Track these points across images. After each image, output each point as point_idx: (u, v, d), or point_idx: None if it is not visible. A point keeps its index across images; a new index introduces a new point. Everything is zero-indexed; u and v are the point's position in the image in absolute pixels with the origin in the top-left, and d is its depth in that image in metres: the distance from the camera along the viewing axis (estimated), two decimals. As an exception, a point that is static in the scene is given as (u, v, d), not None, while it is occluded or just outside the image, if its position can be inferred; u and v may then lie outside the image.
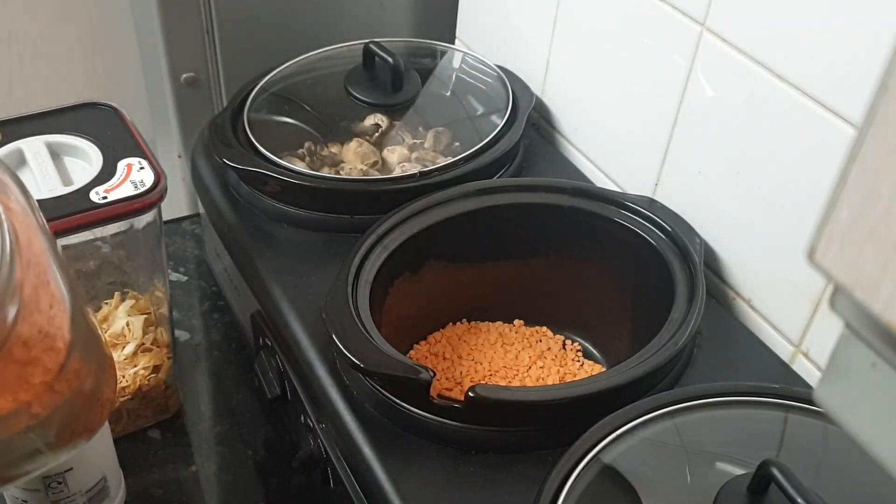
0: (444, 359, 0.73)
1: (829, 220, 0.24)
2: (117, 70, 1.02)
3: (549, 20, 0.86)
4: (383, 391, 0.60)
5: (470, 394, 0.57)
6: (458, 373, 0.71)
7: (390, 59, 0.84)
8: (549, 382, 0.71)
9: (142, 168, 0.68)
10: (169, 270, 0.93)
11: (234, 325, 0.89)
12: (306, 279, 0.71)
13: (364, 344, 0.60)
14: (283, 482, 0.77)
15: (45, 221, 0.44)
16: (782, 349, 0.68)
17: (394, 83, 0.86)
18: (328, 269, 0.70)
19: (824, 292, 0.63)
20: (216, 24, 0.92)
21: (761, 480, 0.49)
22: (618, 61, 0.78)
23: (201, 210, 0.88)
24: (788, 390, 0.59)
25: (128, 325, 0.76)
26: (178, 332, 0.87)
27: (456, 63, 0.93)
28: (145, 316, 0.77)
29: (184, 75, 0.94)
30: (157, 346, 0.77)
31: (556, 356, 0.74)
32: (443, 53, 0.94)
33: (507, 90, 0.86)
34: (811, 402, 0.57)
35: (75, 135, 0.71)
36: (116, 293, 0.78)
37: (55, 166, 0.69)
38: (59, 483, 0.64)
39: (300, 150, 0.83)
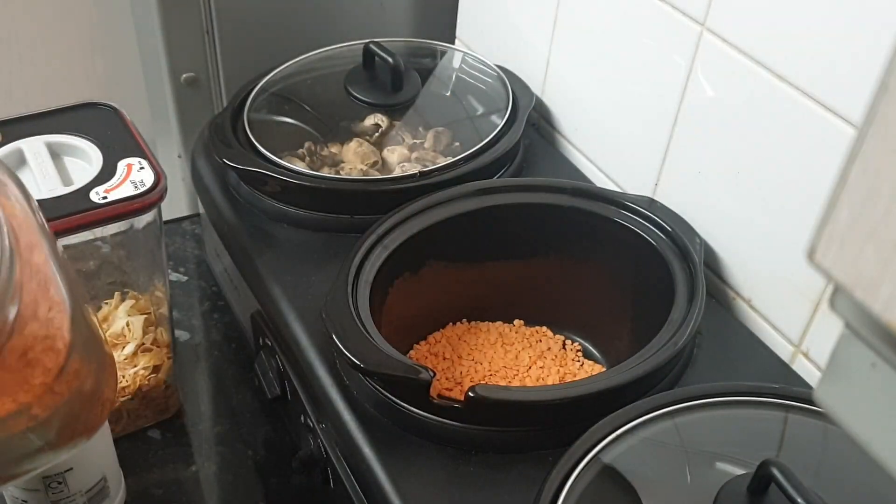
0: (444, 359, 0.73)
1: (829, 220, 0.24)
2: (117, 70, 1.02)
3: (549, 20, 0.86)
4: (383, 391, 0.60)
5: (470, 394, 0.57)
6: (458, 373, 0.71)
7: (390, 59, 0.84)
8: (549, 382, 0.71)
9: (142, 168, 0.68)
10: (169, 270, 0.93)
11: (234, 325, 0.89)
12: (306, 279, 0.71)
13: (364, 344, 0.60)
14: (283, 482, 0.77)
15: (45, 222, 0.44)
16: (782, 349, 0.68)
17: (394, 83, 0.86)
18: (328, 269, 0.70)
19: (824, 292, 0.63)
20: (216, 24, 0.92)
21: (761, 480, 0.49)
22: (618, 61, 0.78)
23: (201, 210, 0.88)
24: (788, 390, 0.59)
25: (128, 325, 0.76)
26: (178, 332, 0.87)
27: (456, 63, 0.93)
28: (145, 316, 0.77)
29: (184, 75, 0.94)
30: (157, 346, 0.77)
31: (556, 356, 0.74)
32: (443, 53, 0.94)
33: (507, 90, 0.86)
34: (811, 402, 0.57)
35: (75, 135, 0.71)
36: (116, 293, 0.78)
37: (55, 166, 0.69)
38: (59, 483, 0.64)
39: (300, 150, 0.83)
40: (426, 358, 0.73)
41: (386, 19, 1.00)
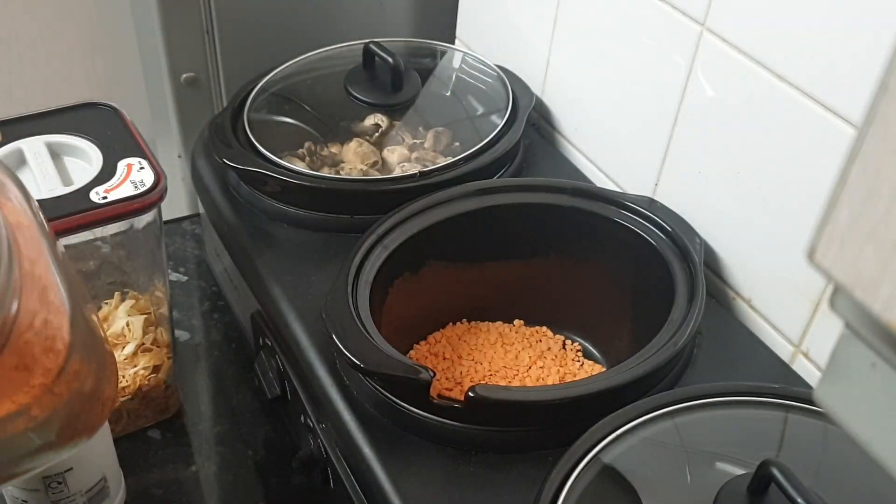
0: (444, 359, 0.73)
1: (829, 220, 0.24)
2: (117, 70, 1.02)
3: (549, 20, 0.86)
4: (383, 391, 0.60)
5: (470, 394, 0.57)
6: (458, 373, 0.71)
7: (390, 59, 0.84)
8: (549, 382, 0.71)
9: (142, 168, 0.68)
10: (169, 270, 0.93)
11: (234, 325, 0.89)
12: (306, 279, 0.71)
13: (364, 344, 0.60)
14: (283, 482, 0.77)
15: (45, 222, 0.44)
16: (782, 349, 0.68)
17: (394, 83, 0.86)
18: (328, 269, 0.70)
19: (824, 292, 0.63)
20: (216, 24, 0.92)
21: (761, 480, 0.49)
22: (618, 61, 0.78)
23: (201, 210, 0.88)
24: (788, 390, 0.59)
25: (128, 325, 0.76)
26: (178, 332, 0.87)
27: (456, 63, 0.93)
28: (145, 316, 0.77)
29: (184, 75, 0.94)
30: (157, 346, 0.77)
31: (556, 356, 0.74)
32: (443, 53, 0.94)
33: (507, 90, 0.86)
34: (811, 402, 0.57)
35: (75, 135, 0.71)
36: (116, 293, 0.78)
37: (55, 166, 0.69)
38: (59, 483, 0.64)
39: (300, 150, 0.83)
40: (426, 358, 0.73)
41: (386, 19, 1.00)
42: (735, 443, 0.57)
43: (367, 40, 0.87)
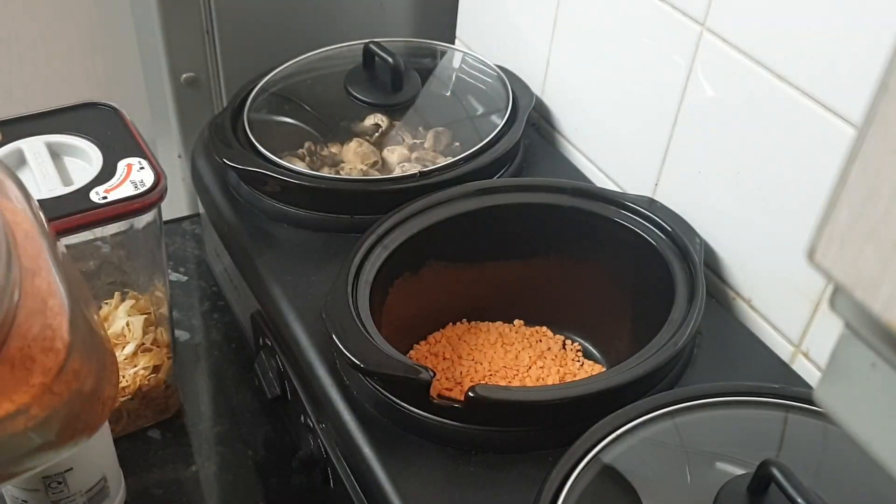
0: (444, 359, 0.73)
1: (829, 220, 0.24)
2: (117, 70, 1.02)
3: (549, 20, 0.86)
4: (383, 391, 0.60)
5: (470, 394, 0.57)
6: (458, 373, 0.71)
7: (390, 59, 0.84)
8: (549, 382, 0.71)
9: (142, 168, 0.68)
10: (169, 270, 0.93)
11: (234, 325, 0.89)
12: (306, 279, 0.71)
13: (364, 344, 0.60)
14: (283, 482, 0.77)
15: (45, 222, 0.44)
16: (782, 349, 0.68)
17: (394, 83, 0.86)
18: (328, 269, 0.70)
19: (824, 292, 0.63)
20: (216, 24, 0.92)
21: (761, 480, 0.49)
22: (618, 61, 0.78)
23: (201, 210, 0.88)
24: (788, 390, 0.59)
25: (128, 325, 0.76)
26: (178, 332, 0.87)
27: (456, 63, 0.93)
28: (145, 316, 0.77)
29: (184, 75, 0.94)
30: (157, 346, 0.77)
31: (556, 356, 0.74)
32: (443, 53, 0.94)
33: (507, 90, 0.86)
34: (811, 402, 0.57)
35: (75, 135, 0.71)
36: (116, 293, 0.78)
37: (55, 166, 0.69)
38: (59, 483, 0.64)
39: (300, 150, 0.83)
40: (426, 358, 0.73)
41: (386, 19, 1.00)
42: (735, 443, 0.57)
43: (367, 40, 0.87)
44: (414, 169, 0.78)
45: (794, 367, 0.67)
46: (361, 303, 0.64)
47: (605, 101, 0.82)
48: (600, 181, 0.84)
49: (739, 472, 0.52)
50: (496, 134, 0.81)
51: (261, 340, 0.76)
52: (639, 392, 0.60)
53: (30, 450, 0.40)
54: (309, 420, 0.69)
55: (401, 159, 0.83)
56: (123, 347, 0.75)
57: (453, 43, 1.03)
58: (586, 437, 0.55)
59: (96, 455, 0.67)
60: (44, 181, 0.67)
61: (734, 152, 0.68)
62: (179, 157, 0.99)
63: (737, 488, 0.51)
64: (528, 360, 0.73)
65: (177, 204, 1.02)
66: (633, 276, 0.73)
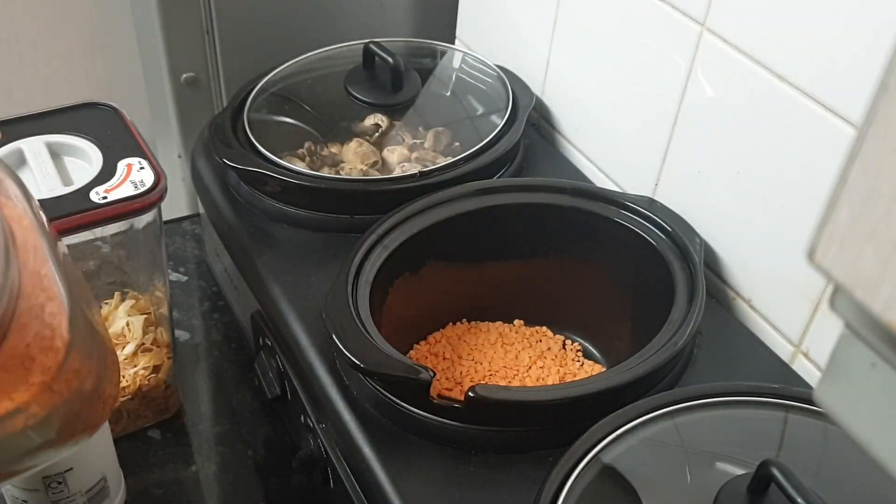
0: (444, 359, 0.73)
1: (829, 220, 0.24)
2: (117, 70, 1.02)
3: (549, 20, 0.86)
4: (383, 391, 0.60)
5: (470, 394, 0.57)
6: (458, 373, 0.71)
7: (390, 59, 0.84)
8: (549, 382, 0.71)
9: (142, 168, 0.68)
10: (169, 270, 0.93)
11: (234, 325, 0.89)
12: (306, 279, 0.71)
13: (364, 344, 0.60)
14: (283, 482, 0.77)
15: (45, 220, 0.44)
16: (782, 349, 0.68)
17: (394, 83, 0.86)
18: (328, 269, 0.70)
19: (824, 292, 0.63)
20: (216, 24, 0.92)
21: (761, 480, 0.49)
22: (618, 61, 0.78)
23: (201, 210, 0.88)
24: (788, 390, 0.59)
25: (128, 325, 0.76)
26: (178, 332, 0.87)
27: (456, 63, 0.93)
28: (145, 316, 0.77)
29: (184, 75, 0.94)
30: (157, 346, 0.77)
31: (556, 356, 0.74)
32: (443, 53, 0.94)
33: (507, 90, 0.86)
34: (811, 402, 0.57)
35: (75, 135, 0.71)
36: (116, 293, 0.78)
37: (55, 166, 0.69)
38: (59, 483, 0.64)
39: (300, 150, 0.83)
40: (426, 358, 0.73)
41: (386, 19, 1.00)
42: (735, 443, 0.57)
43: (367, 40, 0.87)
44: (414, 169, 0.78)
45: (794, 367, 0.67)
46: (361, 303, 0.64)
47: (605, 101, 0.82)
48: (600, 181, 0.84)
49: (739, 472, 0.52)
50: (496, 134, 0.81)
51: (261, 340, 0.76)
52: (639, 392, 0.60)
53: (30, 448, 0.40)
54: (309, 420, 0.69)
55: (401, 159, 0.83)
56: (123, 347, 0.75)
57: (453, 43, 1.03)
58: (586, 437, 0.55)
59: (96, 455, 0.67)
60: (44, 181, 0.67)
61: (734, 152, 0.68)
62: (179, 157, 0.99)
63: (737, 488, 0.51)
64: (528, 360, 0.73)
65: (177, 204, 1.02)
66: (633, 276, 0.73)
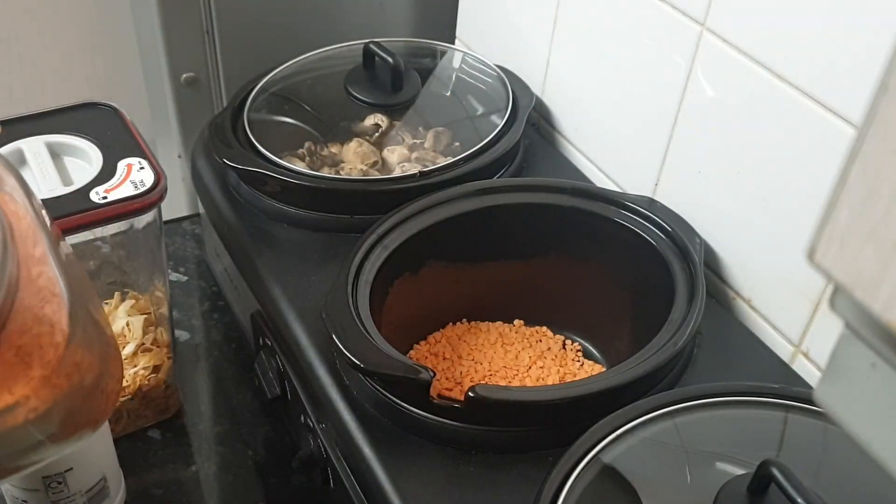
0: (444, 359, 0.73)
1: (829, 220, 0.24)
2: (117, 70, 1.02)
3: (549, 20, 0.86)
4: (383, 391, 0.60)
5: (470, 394, 0.57)
6: (458, 373, 0.71)
7: (390, 59, 0.84)
8: (549, 382, 0.71)
9: (142, 168, 0.68)
10: (169, 270, 0.93)
11: (234, 325, 0.89)
12: (306, 279, 0.71)
13: (364, 344, 0.60)
14: (283, 482, 0.77)
15: (45, 215, 0.44)
16: (782, 349, 0.68)
17: (394, 83, 0.86)
18: (328, 269, 0.70)
19: (824, 292, 0.63)
20: (216, 24, 0.92)
21: (761, 480, 0.49)
22: (618, 61, 0.78)
23: (201, 210, 0.88)
24: (788, 390, 0.59)
25: (128, 325, 0.76)
26: (178, 332, 0.87)
27: (456, 63, 0.93)
28: (145, 316, 0.77)
29: (184, 75, 0.94)
30: (157, 346, 0.77)
31: (556, 356, 0.74)
32: (443, 53, 0.94)
33: (507, 90, 0.86)
34: (811, 402, 0.57)
35: (75, 135, 0.71)
36: (116, 293, 0.78)
37: (55, 166, 0.69)
38: (59, 483, 0.64)
39: (300, 150, 0.83)
40: (426, 358, 0.73)
41: (386, 19, 1.00)
42: (735, 443, 0.57)
43: (367, 40, 0.87)
44: (414, 169, 0.78)
45: (794, 367, 0.67)
46: (361, 303, 0.64)
47: (605, 101, 0.82)
48: (600, 181, 0.84)
49: (739, 472, 0.52)
50: (496, 134, 0.81)
51: (261, 340, 0.77)
52: (639, 392, 0.60)
53: (32, 443, 0.40)
54: (309, 420, 0.69)
55: (401, 159, 0.83)
56: (123, 347, 0.75)
57: (453, 43, 1.03)
58: (586, 437, 0.55)
59: (96, 455, 0.67)
60: (44, 181, 0.67)
61: (734, 152, 0.68)
62: (179, 157, 0.99)
63: (737, 488, 0.51)
64: (528, 360, 0.73)
65: (177, 204, 1.02)
66: (633, 276, 0.73)
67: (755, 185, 0.67)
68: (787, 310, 0.67)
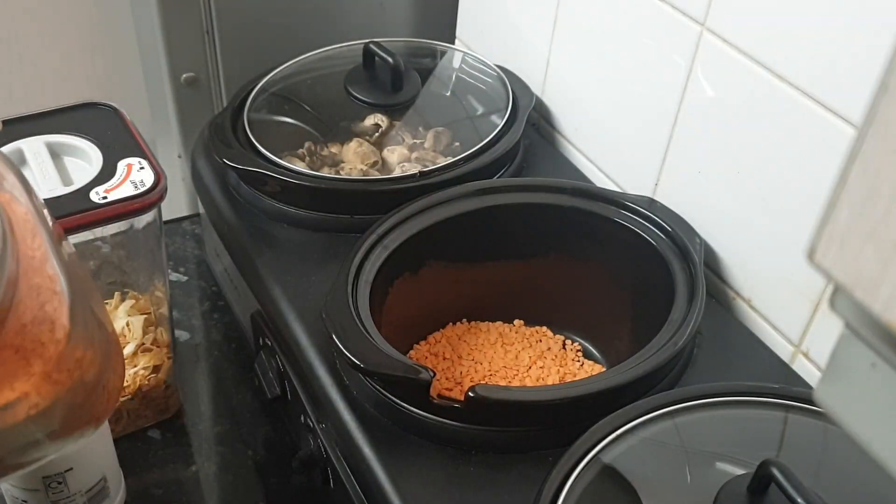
0: (444, 359, 0.73)
1: (829, 220, 0.24)
2: (117, 70, 1.02)
3: (549, 20, 0.86)
4: (383, 391, 0.60)
5: (470, 394, 0.57)
6: (458, 373, 0.71)
7: (390, 59, 0.84)
8: (549, 382, 0.71)
9: (142, 168, 0.68)
10: (169, 270, 0.93)
11: (234, 325, 0.89)
12: (306, 279, 0.71)
13: (364, 344, 0.60)
14: (283, 482, 0.77)
15: (47, 214, 0.44)
16: (782, 349, 0.68)
17: (394, 83, 0.86)
18: (328, 269, 0.70)
19: (824, 292, 0.63)
20: (216, 24, 0.92)
21: (761, 480, 0.49)
22: (618, 61, 0.78)
23: (201, 210, 0.88)
24: (788, 390, 0.59)
25: (128, 325, 0.76)
26: (178, 332, 0.87)
27: (456, 63, 0.93)
28: (145, 316, 0.77)
29: (184, 75, 0.94)
30: (157, 346, 0.77)
31: (556, 356, 0.74)
32: (443, 53, 0.94)
33: (507, 90, 0.86)
34: (811, 402, 0.57)
35: (75, 135, 0.71)
36: (116, 293, 0.78)
37: (55, 166, 0.69)
38: (59, 483, 0.64)
39: (300, 150, 0.83)
40: (426, 358, 0.73)
41: (386, 19, 1.00)
42: (735, 443, 0.57)
43: (367, 40, 0.87)
44: (414, 169, 0.78)
45: (794, 367, 0.67)
46: (361, 303, 0.64)
47: (605, 101, 0.82)
48: (600, 181, 0.84)
49: (739, 472, 0.52)
50: (496, 134, 0.81)
51: (261, 340, 0.76)
52: (639, 392, 0.60)
53: (34, 440, 0.40)
54: (309, 420, 0.69)
55: (401, 159, 0.83)
56: (123, 347, 0.75)
57: (453, 43, 1.03)
58: (586, 437, 0.55)
59: (96, 455, 0.67)
60: (44, 181, 0.67)
61: (734, 152, 0.68)
62: (179, 157, 0.99)
63: (737, 488, 0.51)
64: (528, 360, 0.73)
65: (177, 204, 1.02)
66: (633, 276, 0.73)
67: (755, 185, 0.67)
68: (787, 310, 0.67)
